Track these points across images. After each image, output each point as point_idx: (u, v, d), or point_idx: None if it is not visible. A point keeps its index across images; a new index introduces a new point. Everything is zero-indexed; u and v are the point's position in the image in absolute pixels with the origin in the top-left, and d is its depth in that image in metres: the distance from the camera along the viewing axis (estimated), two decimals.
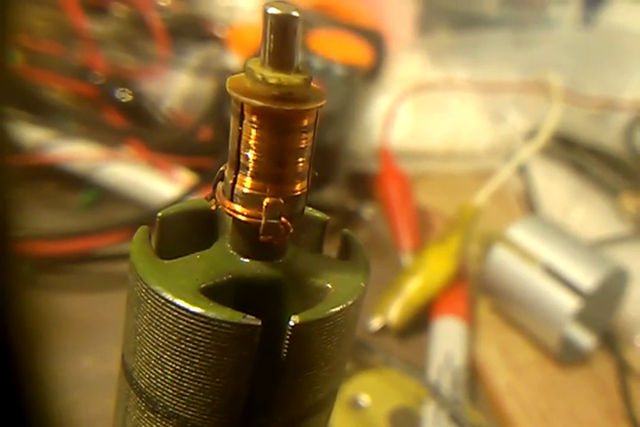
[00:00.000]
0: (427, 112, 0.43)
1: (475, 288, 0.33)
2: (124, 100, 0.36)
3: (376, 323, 0.30)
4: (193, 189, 0.31)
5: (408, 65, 0.46)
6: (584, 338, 0.31)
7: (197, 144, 0.36)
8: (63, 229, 0.29)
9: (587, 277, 0.28)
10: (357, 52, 0.42)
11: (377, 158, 0.40)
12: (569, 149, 0.43)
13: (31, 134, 0.33)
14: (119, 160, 0.33)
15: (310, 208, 0.13)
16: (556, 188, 0.41)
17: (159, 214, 0.12)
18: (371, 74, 0.42)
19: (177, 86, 0.38)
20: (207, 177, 0.31)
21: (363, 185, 0.40)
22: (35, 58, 0.35)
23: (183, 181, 0.33)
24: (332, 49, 0.40)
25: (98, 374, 0.25)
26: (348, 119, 0.38)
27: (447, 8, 0.53)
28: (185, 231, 0.12)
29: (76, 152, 0.33)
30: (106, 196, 0.34)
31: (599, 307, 0.31)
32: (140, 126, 0.36)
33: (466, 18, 0.53)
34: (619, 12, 0.56)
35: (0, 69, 0.08)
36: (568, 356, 0.30)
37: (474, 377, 0.29)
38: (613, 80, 0.46)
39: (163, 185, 0.33)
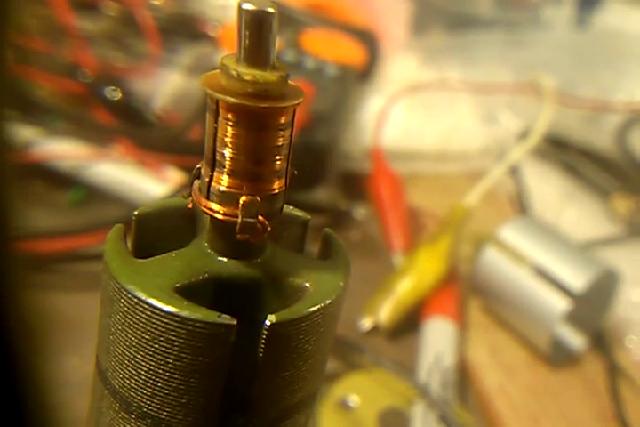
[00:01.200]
0: (419, 112, 0.43)
1: (465, 289, 0.33)
2: (113, 99, 0.36)
3: (366, 323, 0.30)
4: (182, 189, 0.31)
5: (401, 65, 0.46)
6: (574, 339, 0.31)
7: (187, 143, 0.35)
8: (51, 228, 0.29)
9: (577, 279, 0.28)
10: (350, 52, 0.42)
11: (369, 158, 0.40)
12: (561, 151, 0.43)
13: (19, 132, 0.33)
14: (108, 159, 0.33)
15: (291, 207, 0.13)
16: (548, 189, 0.41)
17: (135, 213, 0.12)
18: (364, 74, 0.42)
19: (168, 85, 0.38)
20: None
21: (355, 185, 0.40)
22: (23, 55, 0.34)
23: (173, 180, 0.33)
24: (325, 49, 0.40)
25: (85, 374, 0.24)
26: (341, 119, 0.38)
27: (441, 9, 0.53)
28: (163, 230, 0.12)
29: (65, 151, 0.33)
30: (94, 194, 0.33)
31: (590, 308, 0.31)
32: (130, 125, 0.36)
33: (459, 19, 0.53)
34: (612, 13, 0.56)
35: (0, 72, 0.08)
36: (558, 357, 0.30)
37: (464, 378, 0.29)
38: (606, 82, 0.46)
39: (152, 184, 0.33)
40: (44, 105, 0.34)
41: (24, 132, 0.33)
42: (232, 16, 0.43)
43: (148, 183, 0.33)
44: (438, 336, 0.30)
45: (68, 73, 0.35)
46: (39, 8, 0.35)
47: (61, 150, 0.33)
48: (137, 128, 0.36)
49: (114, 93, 0.36)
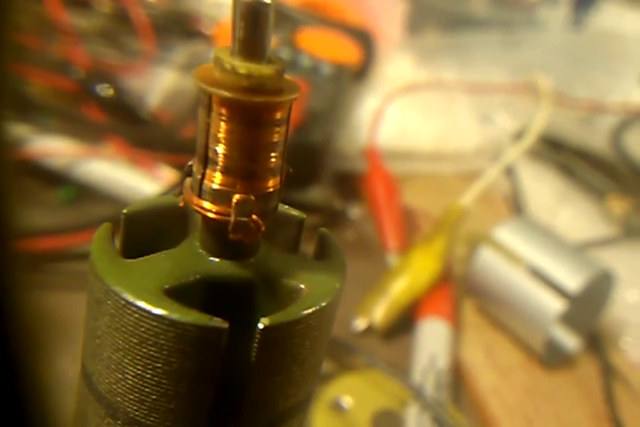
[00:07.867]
0: (415, 112, 0.42)
1: (460, 289, 0.33)
2: (106, 96, 0.35)
3: (360, 324, 0.30)
4: (175, 187, 0.31)
5: (397, 65, 0.46)
6: (569, 340, 0.31)
7: (180, 141, 0.35)
8: (42, 227, 0.28)
9: (572, 279, 0.28)
10: (346, 51, 0.41)
11: (364, 158, 0.39)
12: (556, 151, 0.43)
13: (10, 130, 0.32)
14: (100, 157, 0.33)
15: (286, 206, 0.13)
16: (543, 189, 0.41)
17: (124, 211, 0.11)
18: (359, 73, 0.42)
19: (161, 83, 0.38)
20: None
21: (349, 184, 0.40)
22: (15, 52, 0.34)
23: (165, 179, 0.32)
24: (320, 47, 0.40)
25: (75, 376, 0.24)
26: (336, 118, 0.38)
27: (437, 8, 0.53)
28: (153, 229, 0.12)
29: (56, 148, 0.33)
30: (86, 193, 0.33)
31: (584, 309, 0.31)
32: (122, 123, 0.36)
33: (455, 18, 0.53)
34: (608, 14, 0.57)
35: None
36: (553, 358, 0.30)
37: (458, 379, 0.29)
38: (602, 82, 0.46)
39: (144, 182, 0.32)
40: (36, 102, 0.34)
41: (15, 130, 0.33)
42: (227, 14, 0.42)
43: (141, 181, 0.32)
44: (432, 337, 0.30)
45: (61, 70, 0.35)
46: (31, 4, 0.34)
47: (53, 148, 0.33)
48: (129, 126, 0.36)
49: (106, 91, 0.35)
